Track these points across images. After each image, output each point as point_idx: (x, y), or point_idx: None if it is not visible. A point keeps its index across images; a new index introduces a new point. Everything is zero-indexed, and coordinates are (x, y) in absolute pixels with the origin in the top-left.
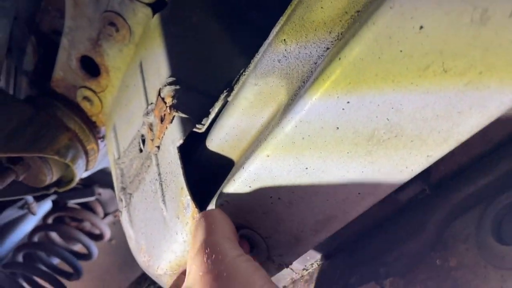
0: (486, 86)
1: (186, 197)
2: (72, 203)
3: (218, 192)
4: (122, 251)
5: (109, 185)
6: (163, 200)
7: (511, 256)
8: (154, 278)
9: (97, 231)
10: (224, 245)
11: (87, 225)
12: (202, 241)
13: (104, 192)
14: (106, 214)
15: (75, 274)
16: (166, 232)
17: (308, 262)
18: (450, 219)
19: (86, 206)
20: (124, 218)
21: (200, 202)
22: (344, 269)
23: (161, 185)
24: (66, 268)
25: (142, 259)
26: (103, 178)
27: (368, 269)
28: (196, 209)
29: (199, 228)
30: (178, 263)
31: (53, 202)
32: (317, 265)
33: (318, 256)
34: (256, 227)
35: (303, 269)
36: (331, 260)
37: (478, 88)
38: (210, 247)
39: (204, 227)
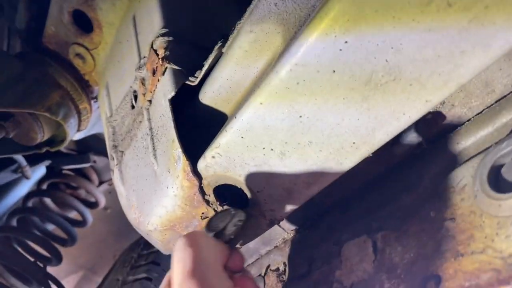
0: (491, 22)
1: (177, 150)
2: (66, 169)
3: (211, 144)
4: (117, 220)
5: (104, 153)
6: (154, 155)
7: (508, 203)
8: (144, 235)
9: (92, 199)
10: (213, 280)
11: (82, 193)
12: (190, 270)
13: (99, 160)
14: (101, 182)
15: (70, 240)
16: (157, 187)
17: (300, 222)
18: (446, 171)
19: (81, 174)
20: (115, 176)
21: (192, 157)
22: (336, 226)
23: (152, 139)
24: (61, 235)
25: (133, 215)
26: (98, 146)
27: (361, 224)
28: (187, 161)
29: (186, 252)
30: (168, 218)
31: (48, 168)
32: (309, 225)
33: (310, 214)
34: (248, 181)
35: (295, 228)
36: (323, 218)
37: (483, 24)
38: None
39: (191, 255)
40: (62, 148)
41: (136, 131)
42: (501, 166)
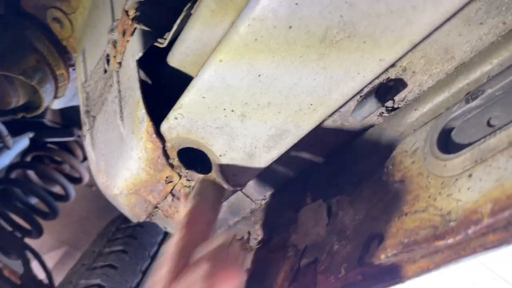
0: None
1: (141, 111)
2: (51, 141)
3: (174, 105)
4: (102, 197)
5: None
6: (121, 117)
7: (453, 163)
8: (112, 200)
9: (76, 174)
10: None
11: (66, 168)
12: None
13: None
14: (85, 158)
15: (51, 213)
16: (123, 150)
17: (268, 192)
18: (402, 137)
19: (66, 148)
20: (87, 142)
21: (159, 120)
22: (298, 195)
23: (120, 102)
24: (43, 208)
25: (101, 180)
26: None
27: (320, 191)
28: (150, 122)
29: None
30: (133, 182)
31: (32, 141)
32: (276, 194)
33: (277, 184)
34: (211, 144)
35: (262, 199)
36: (287, 188)
37: None
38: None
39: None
40: (46, 120)
41: (106, 95)
42: (452, 129)
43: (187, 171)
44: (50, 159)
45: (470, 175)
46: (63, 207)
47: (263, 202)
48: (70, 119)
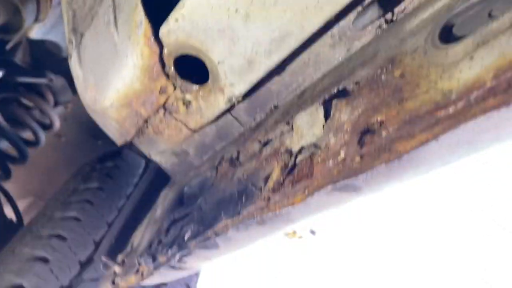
0: None
1: (139, 15)
2: (21, 82)
3: (176, 6)
4: (70, 149)
5: (61, 72)
6: (116, 25)
7: (454, 49)
8: (99, 116)
9: (46, 120)
10: None
11: (36, 114)
12: None
13: (56, 79)
14: (56, 104)
15: (20, 158)
16: (116, 59)
17: (258, 115)
18: (402, 42)
19: (37, 93)
20: (73, 60)
21: (156, 24)
22: (291, 109)
23: (114, 11)
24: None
25: (89, 96)
26: (55, 65)
27: (313, 102)
28: (148, 25)
29: None
30: (126, 92)
31: (1, 82)
32: (265, 115)
33: (268, 107)
34: (210, 49)
35: (252, 121)
36: (279, 107)
37: None
38: None
39: None
40: (17, 60)
41: (97, 8)
42: (453, 26)
43: (182, 81)
44: (18, 104)
45: (471, 57)
46: (30, 157)
47: (253, 123)
48: (42, 61)
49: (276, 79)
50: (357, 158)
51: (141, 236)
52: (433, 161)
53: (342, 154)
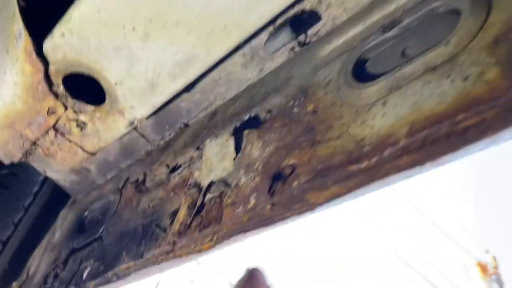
0: None
1: (18, 25)
2: None
3: (61, 19)
4: None
5: None
6: None
7: (367, 91)
8: None
9: None
10: None
11: None
12: None
13: None
14: None
15: None
16: None
17: (166, 132)
18: (315, 70)
19: None
20: None
21: (40, 36)
22: (202, 132)
23: None
24: None
25: None
26: None
27: (224, 128)
28: (29, 38)
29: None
30: (6, 113)
31: None
32: (174, 134)
33: (177, 125)
34: (106, 68)
35: (160, 140)
36: (189, 127)
37: None
38: None
39: None
40: None
41: None
42: (367, 60)
43: (74, 101)
44: None
45: (384, 103)
46: None
47: (162, 142)
48: None
49: (185, 96)
50: (268, 207)
51: (38, 263)
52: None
53: (253, 202)
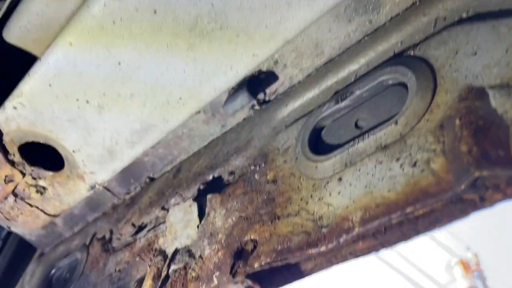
0: None
1: None
2: None
3: (12, 92)
4: None
5: None
6: None
7: (324, 165)
8: None
9: None
10: None
11: None
12: None
13: None
14: None
15: None
16: None
17: (132, 186)
18: (275, 133)
19: None
20: None
21: None
22: (167, 190)
23: None
24: None
25: None
26: None
27: (190, 188)
28: None
29: None
30: None
31: None
32: (140, 188)
33: (142, 178)
34: (62, 138)
35: (126, 193)
36: (155, 181)
37: None
38: None
39: None
40: None
41: None
42: (322, 128)
43: (32, 168)
44: None
45: (340, 179)
46: None
47: (127, 196)
48: None
49: (149, 151)
50: (231, 286)
51: None
52: None
53: (216, 281)
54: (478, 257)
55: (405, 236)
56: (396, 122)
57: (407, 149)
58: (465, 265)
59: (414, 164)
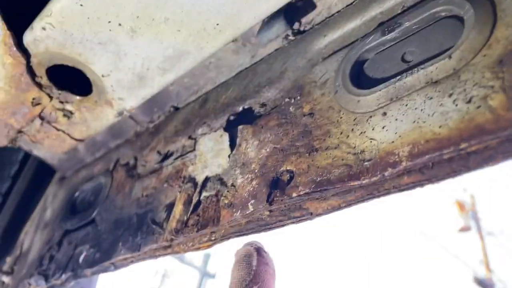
0: None
1: None
2: None
3: (41, 12)
4: None
5: None
6: None
7: (367, 99)
8: None
9: None
10: None
11: None
12: None
13: None
14: None
15: None
16: None
17: (155, 114)
18: (310, 65)
19: None
20: None
21: (20, 28)
22: (193, 120)
23: None
24: None
25: None
26: None
27: (219, 119)
28: (8, 32)
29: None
30: None
31: None
32: (164, 117)
33: (166, 107)
34: (91, 62)
35: (149, 121)
36: (180, 111)
37: None
38: None
39: None
40: None
41: None
42: (365, 61)
43: (59, 91)
44: None
45: (384, 113)
46: None
47: (151, 125)
48: None
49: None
50: (267, 213)
51: (31, 240)
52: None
53: (251, 208)
54: (474, 198)
55: (455, 172)
56: (449, 57)
57: (461, 85)
58: (461, 206)
59: (469, 101)
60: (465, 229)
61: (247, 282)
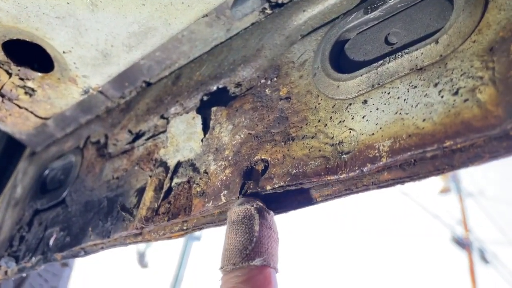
0: None
1: None
2: None
3: None
4: None
5: None
6: None
7: (346, 85)
8: None
9: None
10: None
11: None
12: None
13: None
14: None
15: None
16: None
17: (127, 89)
18: (288, 43)
19: None
20: None
21: None
22: (165, 98)
23: None
24: None
25: None
26: None
27: (190, 97)
28: None
29: None
30: None
31: None
32: (136, 93)
33: (138, 82)
34: (50, 37)
35: (120, 97)
36: (152, 87)
37: None
38: None
39: None
40: None
41: None
42: (346, 41)
43: (18, 68)
44: None
45: (365, 101)
46: None
47: (122, 101)
48: None
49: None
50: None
51: (2, 218)
52: None
53: (223, 199)
54: None
55: (438, 171)
56: (436, 41)
57: (448, 74)
58: None
59: (456, 92)
60: (445, 190)
61: (248, 251)
